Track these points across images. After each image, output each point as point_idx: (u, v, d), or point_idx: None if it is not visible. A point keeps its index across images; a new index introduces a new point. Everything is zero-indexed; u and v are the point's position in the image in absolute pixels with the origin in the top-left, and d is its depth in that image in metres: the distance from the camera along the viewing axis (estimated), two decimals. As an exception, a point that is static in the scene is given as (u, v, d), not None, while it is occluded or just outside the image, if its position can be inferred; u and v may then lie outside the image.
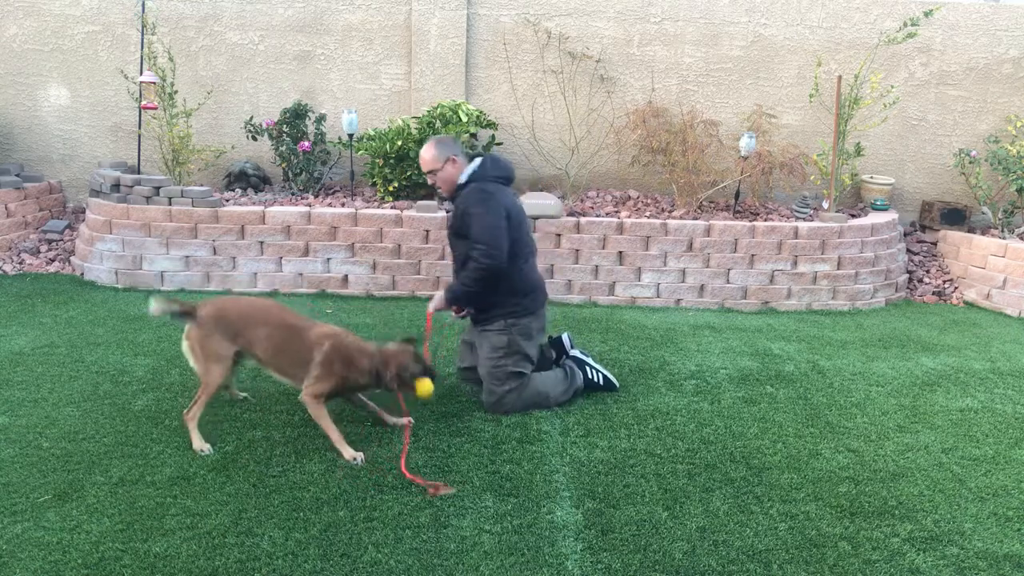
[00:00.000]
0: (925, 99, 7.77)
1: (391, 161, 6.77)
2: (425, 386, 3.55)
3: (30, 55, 7.50)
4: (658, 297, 6.50)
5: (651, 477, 3.38)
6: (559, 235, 6.44)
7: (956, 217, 7.46)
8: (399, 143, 6.68)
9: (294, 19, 7.48)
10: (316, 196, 7.02)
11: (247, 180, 7.29)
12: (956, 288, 7.11)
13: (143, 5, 6.95)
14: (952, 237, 7.36)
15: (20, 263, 6.74)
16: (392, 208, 6.57)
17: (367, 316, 5.70)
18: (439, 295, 4.00)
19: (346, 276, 6.39)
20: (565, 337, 4.48)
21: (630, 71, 7.64)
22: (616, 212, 6.92)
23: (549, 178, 7.70)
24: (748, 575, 2.71)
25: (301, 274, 6.37)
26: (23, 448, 3.43)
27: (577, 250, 6.45)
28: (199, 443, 3.47)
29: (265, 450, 3.49)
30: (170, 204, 6.36)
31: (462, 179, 3.98)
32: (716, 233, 6.47)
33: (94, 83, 7.55)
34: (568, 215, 6.64)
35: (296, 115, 7.08)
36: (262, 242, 6.36)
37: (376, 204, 6.75)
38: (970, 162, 7.55)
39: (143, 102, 6.66)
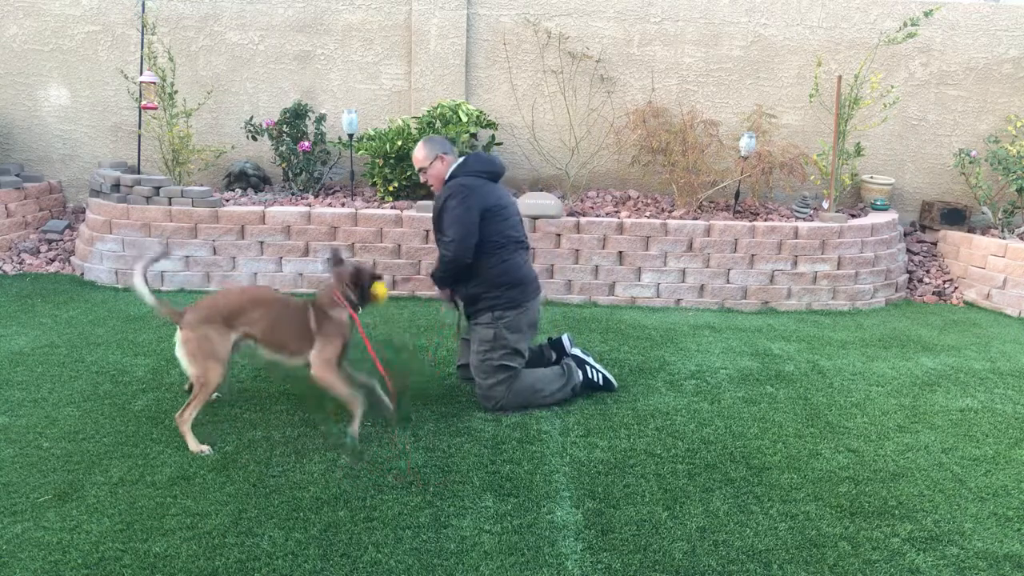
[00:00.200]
0: (925, 99, 7.77)
1: (391, 161, 6.77)
2: (380, 288, 3.94)
3: (30, 55, 7.50)
4: (658, 297, 6.50)
5: (651, 477, 3.38)
6: (559, 235, 6.44)
7: (956, 217, 7.46)
8: (399, 143, 6.68)
9: (294, 19, 7.48)
10: (316, 196, 7.02)
11: (247, 180, 7.29)
12: (956, 288, 7.11)
13: (143, 5, 6.96)
14: (952, 237, 7.37)
15: (20, 263, 6.74)
16: (392, 208, 6.57)
17: (367, 316, 5.69)
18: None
19: (346, 276, 6.39)
20: (565, 338, 4.48)
21: (630, 71, 7.64)
22: (616, 212, 6.92)
23: (549, 178, 7.70)
24: (748, 575, 2.71)
25: (301, 274, 6.37)
26: (23, 448, 3.43)
27: (577, 250, 6.45)
28: (196, 445, 3.47)
29: (265, 450, 3.49)
30: (170, 204, 6.36)
31: (447, 174, 4.09)
32: (716, 233, 6.47)
33: (94, 83, 7.55)
34: (568, 215, 6.64)
35: (296, 115, 7.08)
36: (262, 242, 6.36)
37: (376, 204, 6.75)
38: (970, 162, 7.55)
39: (143, 102, 6.66)
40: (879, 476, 3.48)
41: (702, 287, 6.51)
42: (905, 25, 7.01)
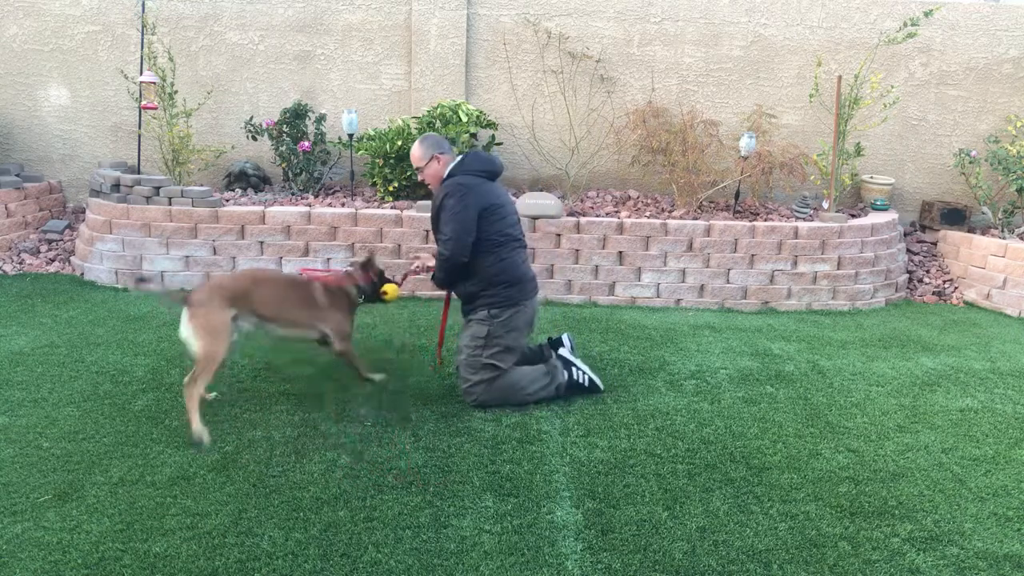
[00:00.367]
0: (925, 99, 7.77)
1: (391, 161, 6.77)
2: (392, 289, 4.29)
3: (30, 55, 7.50)
4: (658, 297, 6.50)
5: (651, 477, 3.38)
6: (559, 235, 6.44)
7: (956, 217, 7.46)
8: (399, 143, 6.67)
9: (294, 19, 7.48)
10: (316, 196, 7.02)
11: (247, 180, 7.29)
12: (956, 288, 7.11)
13: (143, 5, 6.96)
14: (952, 237, 7.36)
15: (20, 263, 6.74)
16: (392, 208, 6.57)
17: (367, 316, 5.70)
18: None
19: (346, 276, 6.39)
20: (565, 338, 4.48)
21: (630, 71, 7.64)
22: (616, 212, 6.92)
23: (549, 178, 7.70)
24: (748, 575, 2.71)
25: (301, 274, 6.35)
26: (23, 448, 3.43)
27: (577, 250, 6.45)
28: (198, 426, 3.49)
29: (265, 450, 3.49)
30: (170, 204, 6.36)
31: (445, 174, 4.10)
32: (716, 233, 6.47)
33: (94, 83, 7.55)
34: (568, 215, 6.64)
35: (296, 115, 7.08)
36: (262, 242, 6.36)
37: (376, 204, 6.75)
38: (970, 162, 7.55)
39: (143, 102, 6.66)
40: (879, 476, 3.48)
41: (702, 287, 6.51)
42: (905, 25, 7.01)
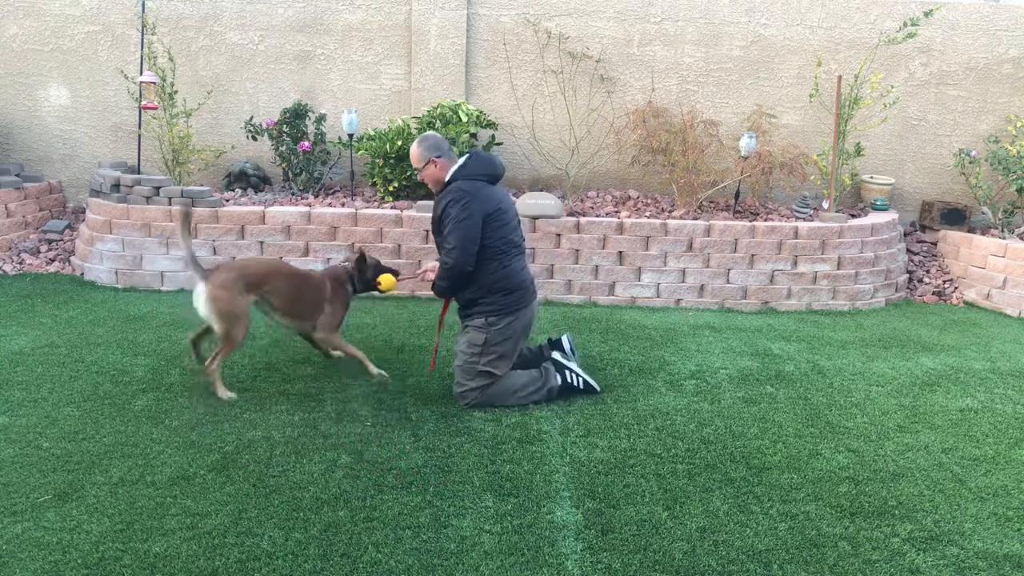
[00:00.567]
0: (925, 99, 7.77)
1: (391, 161, 6.77)
2: (387, 279, 4.42)
3: (30, 55, 7.50)
4: (658, 297, 6.50)
5: (651, 477, 3.38)
6: (559, 235, 6.44)
7: (956, 217, 7.46)
8: (399, 143, 6.67)
9: (294, 19, 7.48)
10: (316, 196, 7.02)
11: (247, 180, 7.29)
12: (956, 288, 7.11)
13: (143, 5, 6.95)
14: (952, 237, 7.37)
15: (20, 263, 6.74)
16: (392, 208, 6.57)
17: (367, 316, 5.70)
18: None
19: (346, 276, 6.39)
20: (565, 339, 4.48)
21: (630, 71, 7.64)
22: (616, 212, 6.92)
23: (549, 178, 7.70)
24: (748, 575, 2.71)
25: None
26: (23, 448, 3.43)
27: (577, 250, 6.45)
28: (224, 392, 3.97)
29: (265, 450, 3.49)
30: (170, 204, 6.36)
31: (447, 177, 4.07)
32: (716, 233, 6.47)
33: (94, 83, 7.55)
34: (568, 215, 6.64)
35: (296, 115, 7.08)
36: (262, 242, 6.36)
37: (376, 204, 6.75)
38: (970, 162, 7.55)
39: (143, 102, 6.66)
40: (879, 476, 3.48)
41: (702, 287, 6.51)
42: (905, 25, 7.01)
